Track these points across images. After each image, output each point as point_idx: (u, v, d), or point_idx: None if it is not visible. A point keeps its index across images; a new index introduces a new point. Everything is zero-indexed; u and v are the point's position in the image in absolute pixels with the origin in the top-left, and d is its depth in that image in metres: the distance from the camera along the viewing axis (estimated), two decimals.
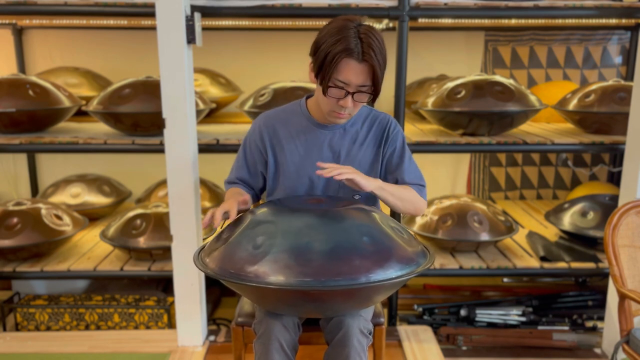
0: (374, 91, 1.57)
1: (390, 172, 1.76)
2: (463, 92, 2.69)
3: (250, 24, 3.44)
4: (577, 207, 2.97)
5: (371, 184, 1.59)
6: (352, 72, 1.52)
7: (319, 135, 1.73)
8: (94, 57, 3.57)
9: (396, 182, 1.75)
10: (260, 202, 1.93)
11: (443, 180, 3.82)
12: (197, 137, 2.49)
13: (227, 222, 1.58)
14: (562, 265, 2.73)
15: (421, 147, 2.65)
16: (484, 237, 2.75)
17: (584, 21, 3.12)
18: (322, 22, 2.93)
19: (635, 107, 2.43)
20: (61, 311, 2.81)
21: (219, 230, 1.58)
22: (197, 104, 2.55)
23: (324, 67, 1.54)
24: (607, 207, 2.86)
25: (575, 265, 2.72)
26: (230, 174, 1.85)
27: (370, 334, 1.58)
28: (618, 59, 3.61)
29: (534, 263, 2.74)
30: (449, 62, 3.63)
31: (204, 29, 2.45)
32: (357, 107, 1.63)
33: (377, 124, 1.76)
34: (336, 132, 1.73)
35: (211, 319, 3.01)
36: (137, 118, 2.64)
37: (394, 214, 2.68)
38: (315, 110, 1.73)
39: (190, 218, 2.43)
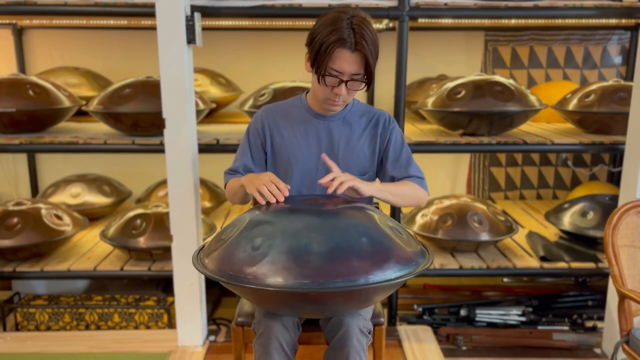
0: (368, 79, 1.62)
1: (389, 167, 1.79)
2: (463, 92, 2.69)
3: (250, 24, 3.44)
4: (577, 207, 2.97)
5: (370, 188, 1.62)
6: (345, 61, 1.57)
7: (318, 125, 1.77)
8: (94, 57, 3.57)
9: (393, 178, 1.79)
10: None
11: (443, 180, 3.81)
12: (197, 137, 2.49)
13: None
14: (562, 265, 2.73)
15: (421, 147, 2.65)
16: (484, 237, 2.75)
17: (584, 21, 3.12)
18: None
19: (635, 107, 2.43)
20: (61, 311, 2.81)
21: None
22: (197, 104, 2.55)
23: (318, 56, 1.59)
24: (607, 207, 2.86)
25: (575, 265, 2.72)
26: (234, 162, 1.85)
27: (370, 333, 1.58)
28: (618, 59, 3.61)
29: (534, 263, 2.74)
30: (449, 62, 3.63)
31: (204, 29, 2.45)
32: (350, 94, 1.68)
33: (374, 119, 1.80)
34: (335, 123, 1.77)
35: (211, 319, 3.01)
36: (137, 118, 2.64)
37: (394, 214, 2.68)
38: (313, 102, 1.77)
39: (190, 218, 2.43)
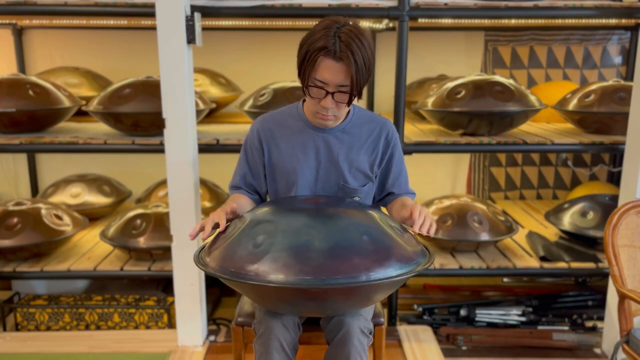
0: (353, 92, 1.54)
1: (389, 183, 1.79)
2: (463, 92, 2.69)
3: (250, 24, 3.44)
4: (577, 207, 2.97)
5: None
6: (328, 70, 1.50)
7: (316, 137, 1.71)
8: (94, 57, 3.58)
9: (392, 194, 1.80)
10: None
11: (443, 180, 3.82)
12: (197, 137, 2.49)
13: (216, 232, 1.56)
14: (562, 265, 2.73)
15: (421, 147, 2.65)
16: (484, 237, 2.75)
17: (584, 21, 3.12)
18: None
19: (635, 107, 2.43)
20: (61, 311, 2.81)
21: (209, 240, 1.57)
22: (197, 104, 2.55)
23: (303, 65, 1.54)
24: (607, 207, 2.86)
25: (575, 265, 2.72)
26: (233, 178, 1.83)
27: (370, 333, 1.58)
28: (618, 59, 3.61)
29: (534, 263, 2.74)
30: (449, 62, 3.63)
31: (204, 29, 2.45)
32: (340, 108, 1.59)
33: (377, 130, 1.74)
34: (333, 134, 1.71)
35: (211, 319, 3.01)
36: (137, 118, 2.64)
37: None
38: (309, 113, 1.71)
39: (190, 218, 2.43)
